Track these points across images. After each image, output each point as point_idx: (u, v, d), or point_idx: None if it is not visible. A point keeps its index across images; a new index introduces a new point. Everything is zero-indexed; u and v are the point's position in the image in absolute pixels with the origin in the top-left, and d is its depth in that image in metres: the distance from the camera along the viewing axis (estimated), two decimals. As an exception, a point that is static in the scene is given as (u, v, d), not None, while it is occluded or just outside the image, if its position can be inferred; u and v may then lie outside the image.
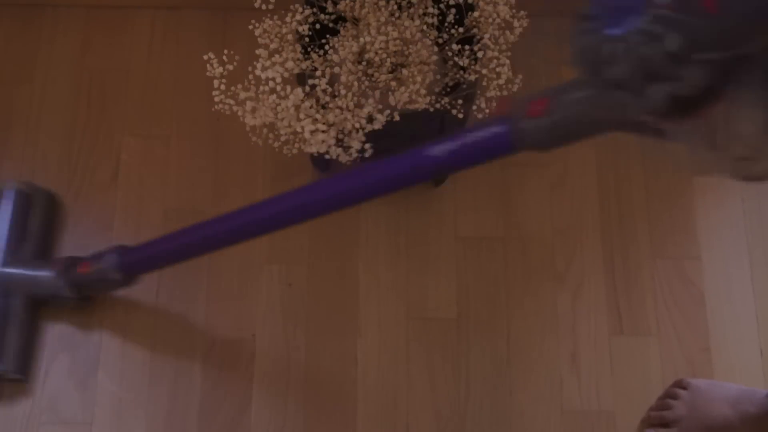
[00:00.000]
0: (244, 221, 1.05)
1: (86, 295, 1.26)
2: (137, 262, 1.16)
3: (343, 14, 1.15)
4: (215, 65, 1.07)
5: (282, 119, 1.05)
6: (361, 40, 1.09)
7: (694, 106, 0.70)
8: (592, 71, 0.75)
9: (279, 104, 1.04)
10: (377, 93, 1.10)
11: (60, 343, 1.29)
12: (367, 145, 1.06)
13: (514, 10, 1.11)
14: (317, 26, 1.14)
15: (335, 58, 1.11)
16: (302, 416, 1.26)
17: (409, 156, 0.93)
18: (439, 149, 0.89)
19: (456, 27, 1.14)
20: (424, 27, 1.14)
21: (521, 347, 1.30)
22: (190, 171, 1.39)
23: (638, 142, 1.41)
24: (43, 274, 1.23)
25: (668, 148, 0.79)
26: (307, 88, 1.07)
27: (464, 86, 1.12)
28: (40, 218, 1.32)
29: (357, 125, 1.06)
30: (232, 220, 1.06)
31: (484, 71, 1.10)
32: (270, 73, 1.04)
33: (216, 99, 1.07)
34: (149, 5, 1.47)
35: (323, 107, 1.07)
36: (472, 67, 1.11)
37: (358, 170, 0.98)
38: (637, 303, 1.33)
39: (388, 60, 1.09)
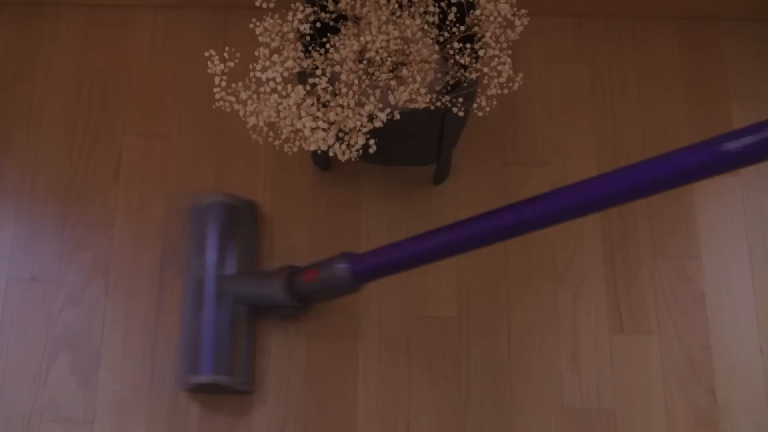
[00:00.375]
0: (485, 228, 1.02)
1: (307, 304, 1.26)
2: (368, 269, 1.14)
3: (344, 13, 1.15)
4: (216, 62, 1.07)
5: (284, 118, 1.05)
6: (362, 39, 1.09)
7: None
8: None
9: (281, 103, 1.05)
10: (378, 92, 1.10)
11: (61, 342, 1.29)
12: (371, 141, 1.07)
13: (515, 9, 1.11)
14: (318, 25, 1.14)
15: (336, 56, 1.11)
16: (303, 414, 1.27)
17: (697, 150, 0.87)
18: (735, 144, 0.84)
19: (457, 25, 1.14)
20: (425, 26, 1.14)
21: (522, 346, 1.31)
22: (192, 169, 1.39)
23: (639, 140, 1.42)
24: (267, 283, 1.23)
25: None
26: (308, 87, 1.07)
27: (465, 84, 1.12)
28: (247, 229, 1.31)
29: (358, 124, 1.06)
30: (471, 227, 1.03)
31: (485, 69, 1.10)
32: (270, 74, 1.04)
33: (216, 96, 1.07)
34: (150, 3, 1.47)
35: (324, 105, 1.07)
36: (473, 65, 1.11)
37: (641, 165, 0.92)
38: (637, 301, 1.33)
39: (389, 59, 1.09)
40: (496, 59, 1.10)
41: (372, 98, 1.07)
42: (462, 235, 1.04)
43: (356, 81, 1.09)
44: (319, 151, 1.06)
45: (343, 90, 1.07)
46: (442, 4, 1.15)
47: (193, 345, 1.23)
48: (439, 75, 1.16)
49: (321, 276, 1.17)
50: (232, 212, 1.30)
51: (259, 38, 1.10)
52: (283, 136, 1.07)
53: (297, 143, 1.07)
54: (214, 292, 1.24)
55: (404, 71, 1.10)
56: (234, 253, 1.28)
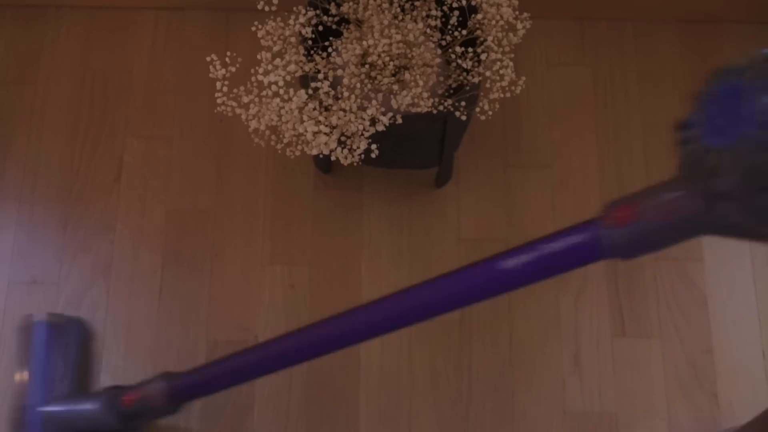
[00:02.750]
0: (295, 344, 0.98)
1: (133, 426, 1.18)
2: (185, 388, 1.09)
3: (346, 16, 1.15)
4: (218, 67, 1.07)
5: (286, 122, 1.05)
6: (365, 42, 1.09)
7: None
8: (695, 182, 0.70)
9: (283, 107, 1.04)
10: (380, 96, 1.10)
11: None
12: (373, 146, 1.06)
13: (517, 12, 1.11)
14: (320, 28, 1.14)
15: (338, 60, 1.11)
16: (305, 418, 1.27)
17: (480, 269, 0.88)
18: (513, 262, 0.85)
19: (459, 29, 1.14)
20: (428, 29, 1.14)
21: (524, 348, 1.31)
22: (193, 172, 1.39)
23: (641, 143, 1.42)
24: (88, 408, 1.15)
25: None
26: (310, 91, 1.07)
27: (467, 88, 1.12)
28: (75, 348, 1.25)
29: (360, 128, 1.06)
30: (284, 344, 0.99)
31: (488, 73, 1.10)
32: (272, 77, 1.04)
33: (218, 101, 1.07)
34: (152, 6, 1.47)
35: (326, 109, 1.07)
36: (476, 69, 1.11)
37: (423, 286, 0.91)
38: (639, 304, 1.33)
39: (391, 63, 1.09)
40: (499, 63, 1.10)
41: (374, 102, 1.07)
42: (273, 351, 1.01)
43: (358, 85, 1.09)
44: (321, 155, 1.06)
45: (346, 94, 1.07)
46: (445, 8, 1.15)
47: None
48: (442, 79, 1.16)
49: (139, 396, 1.11)
50: (56, 332, 1.23)
51: (261, 41, 1.10)
52: (285, 140, 1.07)
53: (299, 147, 1.07)
54: (37, 420, 1.16)
55: (406, 75, 1.10)
56: (59, 376, 1.21)
